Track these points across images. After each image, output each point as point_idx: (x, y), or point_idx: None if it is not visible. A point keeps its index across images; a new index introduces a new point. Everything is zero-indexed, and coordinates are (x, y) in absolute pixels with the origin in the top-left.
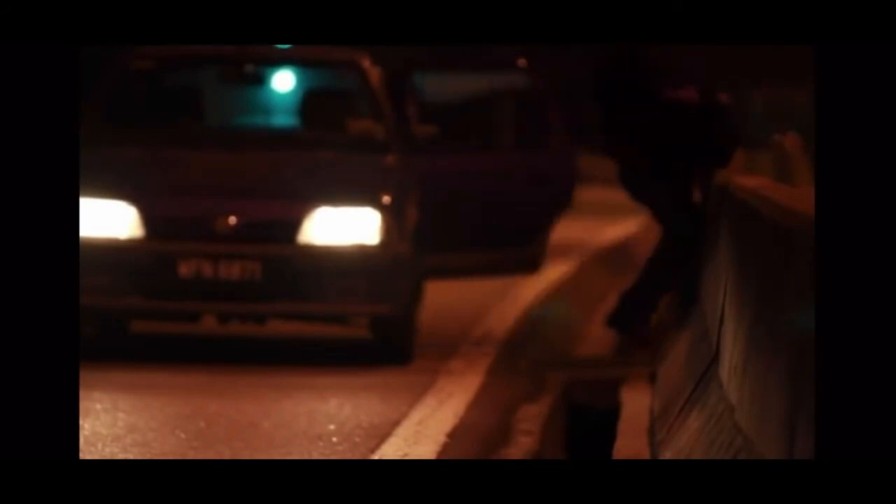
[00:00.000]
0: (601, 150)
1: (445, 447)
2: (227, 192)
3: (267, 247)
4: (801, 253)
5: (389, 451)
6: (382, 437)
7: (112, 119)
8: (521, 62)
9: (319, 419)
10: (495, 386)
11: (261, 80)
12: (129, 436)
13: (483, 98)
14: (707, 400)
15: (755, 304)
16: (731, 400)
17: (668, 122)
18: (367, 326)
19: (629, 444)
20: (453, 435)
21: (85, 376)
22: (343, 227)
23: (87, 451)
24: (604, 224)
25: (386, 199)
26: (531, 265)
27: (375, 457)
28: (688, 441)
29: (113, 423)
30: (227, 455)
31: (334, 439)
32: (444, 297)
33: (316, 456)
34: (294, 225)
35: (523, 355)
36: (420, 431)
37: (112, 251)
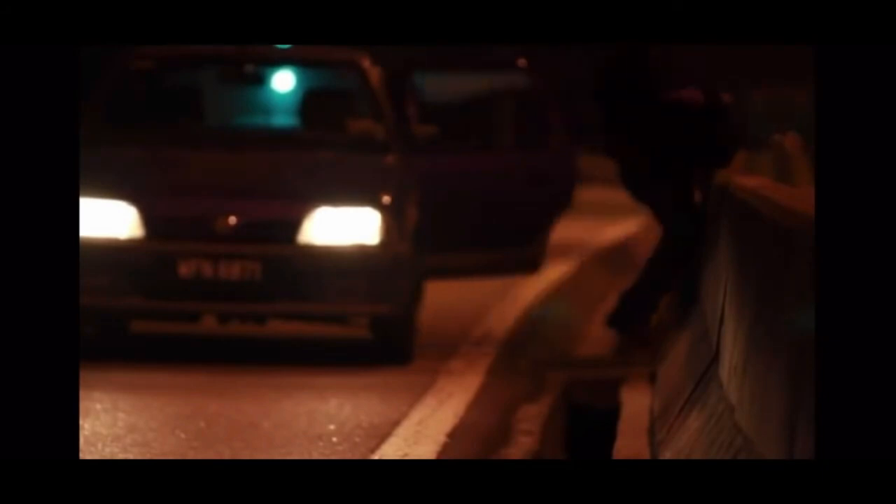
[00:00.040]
0: (601, 150)
1: (445, 447)
2: (227, 192)
3: (267, 247)
4: (801, 253)
5: (389, 451)
6: (382, 437)
7: (112, 119)
8: (521, 62)
9: (319, 419)
10: (495, 386)
11: (261, 80)
12: (129, 436)
13: (483, 98)
14: (707, 400)
15: (755, 304)
16: (731, 400)
17: (668, 122)
18: (367, 326)
19: (629, 444)
20: (453, 435)
21: (85, 376)
22: (343, 227)
23: (87, 451)
24: (604, 224)
25: (386, 199)
26: (531, 265)
27: (375, 457)
28: (688, 441)
29: (113, 423)
30: (227, 455)
31: (334, 439)
32: (444, 297)
33: (316, 456)
34: (294, 225)
35: (523, 355)
36: (420, 431)
37: (112, 251)
